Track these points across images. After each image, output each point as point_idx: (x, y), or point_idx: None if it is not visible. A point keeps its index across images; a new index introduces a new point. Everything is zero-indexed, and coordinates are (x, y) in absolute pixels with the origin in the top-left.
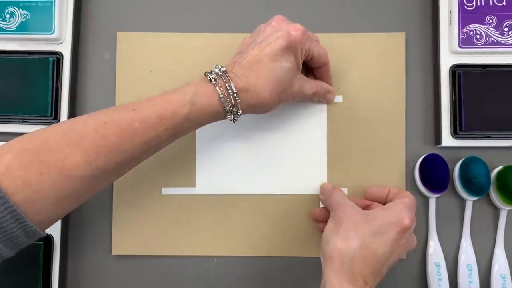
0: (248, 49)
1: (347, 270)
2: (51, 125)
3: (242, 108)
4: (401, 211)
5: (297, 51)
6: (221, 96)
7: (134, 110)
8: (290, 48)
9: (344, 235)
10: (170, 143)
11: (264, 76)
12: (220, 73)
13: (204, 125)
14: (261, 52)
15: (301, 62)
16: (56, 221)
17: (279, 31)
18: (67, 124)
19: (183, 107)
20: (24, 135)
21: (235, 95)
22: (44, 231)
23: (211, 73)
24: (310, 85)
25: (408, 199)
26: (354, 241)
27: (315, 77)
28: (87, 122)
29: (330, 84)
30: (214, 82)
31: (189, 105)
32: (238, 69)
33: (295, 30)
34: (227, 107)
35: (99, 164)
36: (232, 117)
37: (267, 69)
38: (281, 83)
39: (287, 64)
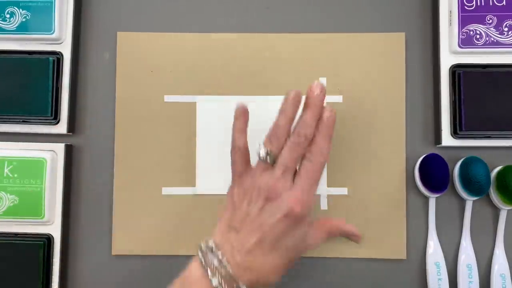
0: (244, 227)
1: None
2: None
3: None
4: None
5: (303, 220)
6: None
7: None
8: (294, 224)
9: None
10: None
11: (270, 260)
12: (222, 270)
13: None
14: (263, 236)
15: (307, 224)
16: None
17: (275, 204)
18: None
19: None
20: None
21: None
22: None
23: (211, 267)
24: (314, 234)
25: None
26: None
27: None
28: None
29: (327, 145)
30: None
31: None
32: (239, 257)
33: (295, 203)
34: None
35: None
36: None
37: (272, 254)
38: (288, 257)
39: (292, 241)
